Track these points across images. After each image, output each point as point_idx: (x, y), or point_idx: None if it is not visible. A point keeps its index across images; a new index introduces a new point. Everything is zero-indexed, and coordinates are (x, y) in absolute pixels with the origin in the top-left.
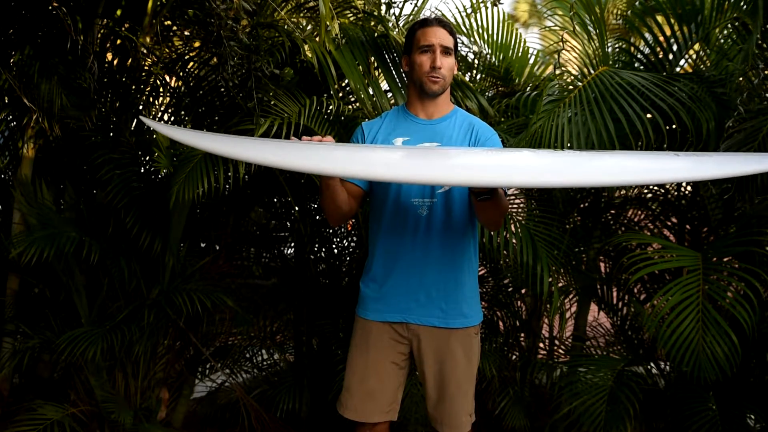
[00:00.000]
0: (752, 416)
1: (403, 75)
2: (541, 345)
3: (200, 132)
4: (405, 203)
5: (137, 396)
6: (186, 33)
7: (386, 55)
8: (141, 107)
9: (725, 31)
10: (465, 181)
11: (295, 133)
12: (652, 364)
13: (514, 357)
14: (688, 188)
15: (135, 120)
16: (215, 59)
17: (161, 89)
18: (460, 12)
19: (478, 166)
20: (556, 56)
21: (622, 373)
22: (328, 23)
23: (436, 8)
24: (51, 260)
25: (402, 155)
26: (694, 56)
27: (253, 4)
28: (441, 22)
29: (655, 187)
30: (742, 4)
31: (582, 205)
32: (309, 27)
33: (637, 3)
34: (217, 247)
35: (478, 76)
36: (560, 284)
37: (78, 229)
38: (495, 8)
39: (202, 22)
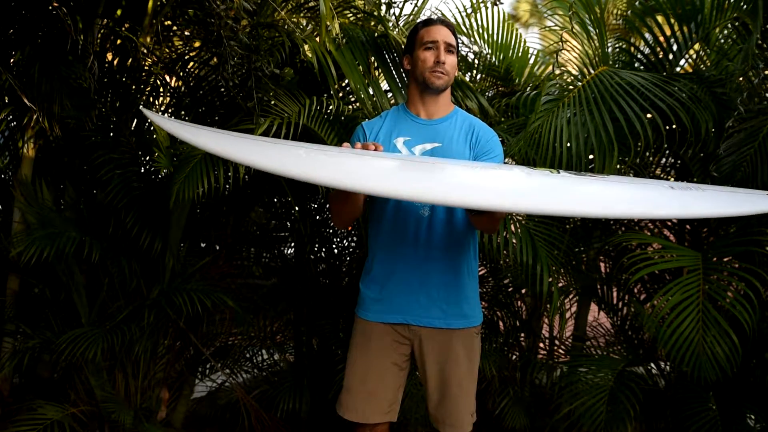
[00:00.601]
0: (752, 416)
1: (404, 75)
2: (541, 345)
3: (198, 126)
4: (407, 204)
5: (137, 396)
6: (186, 33)
7: (386, 55)
8: (141, 107)
9: (725, 31)
10: (456, 203)
11: (294, 133)
12: (652, 364)
13: (514, 357)
14: None
15: (135, 120)
16: (215, 59)
17: (161, 89)
18: (460, 12)
19: (468, 186)
20: (556, 56)
21: (622, 374)
22: (328, 23)
23: (437, 8)
24: (51, 260)
25: (393, 167)
26: (694, 56)
27: (253, 4)
28: (444, 22)
29: None
30: (742, 4)
31: None
32: (309, 27)
33: (637, 3)
34: (217, 247)
35: (478, 76)
36: (560, 284)
37: (78, 229)
38: (495, 8)
39: (202, 22)
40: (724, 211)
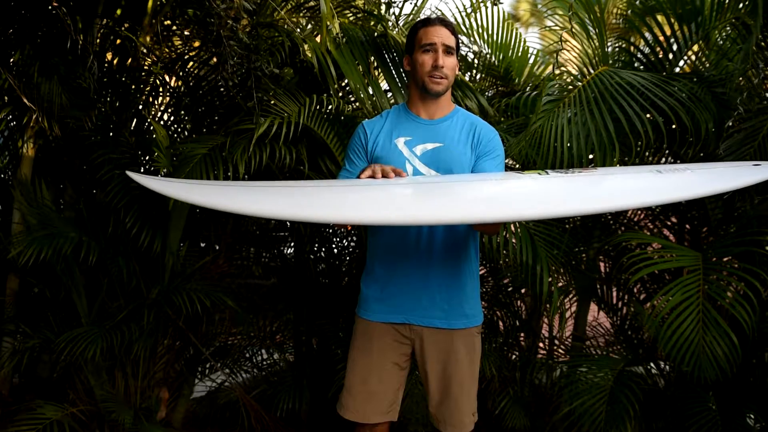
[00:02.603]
0: (752, 416)
1: (404, 75)
2: (541, 345)
3: (185, 182)
4: None
5: (137, 396)
6: (186, 33)
7: (386, 55)
8: (141, 107)
9: (725, 31)
10: (468, 220)
11: (294, 132)
12: (652, 364)
13: (514, 357)
14: None
15: (135, 120)
16: (215, 59)
17: (161, 89)
18: (460, 12)
19: (479, 200)
20: (556, 56)
21: (622, 373)
22: (328, 23)
23: (436, 8)
24: (50, 260)
25: (409, 194)
26: (694, 56)
27: (253, 4)
28: (443, 21)
29: None
30: (742, 4)
31: None
32: (309, 27)
33: (637, 2)
34: (217, 247)
35: (478, 76)
36: (560, 284)
37: (77, 229)
38: (495, 8)
39: (202, 21)
40: (719, 187)
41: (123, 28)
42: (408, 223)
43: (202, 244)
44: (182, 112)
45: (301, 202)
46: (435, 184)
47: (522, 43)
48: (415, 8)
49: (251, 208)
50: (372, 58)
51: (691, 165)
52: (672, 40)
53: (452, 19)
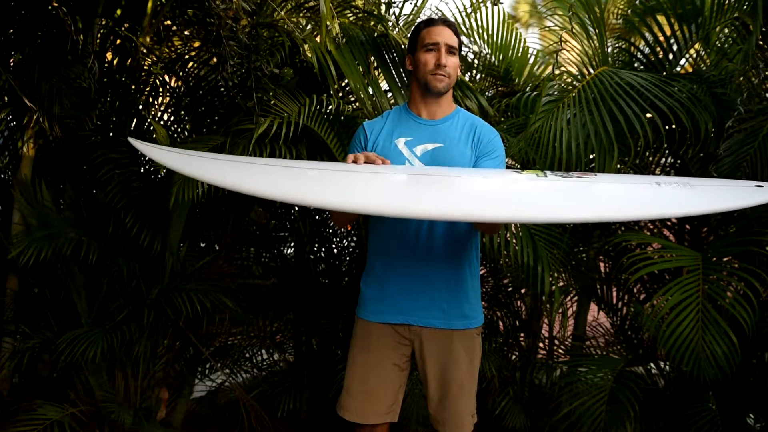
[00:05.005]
0: (752, 416)
1: (404, 75)
2: (541, 345)
3: (192, 154)
4: None
5: (137, 396)
6: (186, 33)
7: (386, 55)
8: (141, 107)
9: (725, 31)
10: (463, 217)
11: (294, 132)
12: (652, 364)
13: (514, 357)
14: None
15: (135, 120)
16: (215, 59)
17: (161, 89)
18: (460, 12)
19: (465, 200)
20: (556, 56)
21: (622, 373)
22: (328, 23)
23: (436, 8)
24: (50, 260)
25: (398, 184)
26: (694, 56)
27: (252, 4)
28: (446, 22)
29: None
30: (742, 4)
31: None
32: (309, 27)
33: (637, 2)
34: (217, 247)
35: (478, 76)
36: (560, 284)
37: (77, 230)
38: (495, 8)
39: (202, 21)
40: (719, 207)
41: (123, 29)
42: (398, 215)
43: (202, 244)
44: (182, 112)
45: (286, 184)
46: (429, 177)
47: (522, 44)
48: (415, 8)
49: (243, 185)
50: (372, 58)
51: (693, 180)
52: (672, 40)
53: (452, 20)
